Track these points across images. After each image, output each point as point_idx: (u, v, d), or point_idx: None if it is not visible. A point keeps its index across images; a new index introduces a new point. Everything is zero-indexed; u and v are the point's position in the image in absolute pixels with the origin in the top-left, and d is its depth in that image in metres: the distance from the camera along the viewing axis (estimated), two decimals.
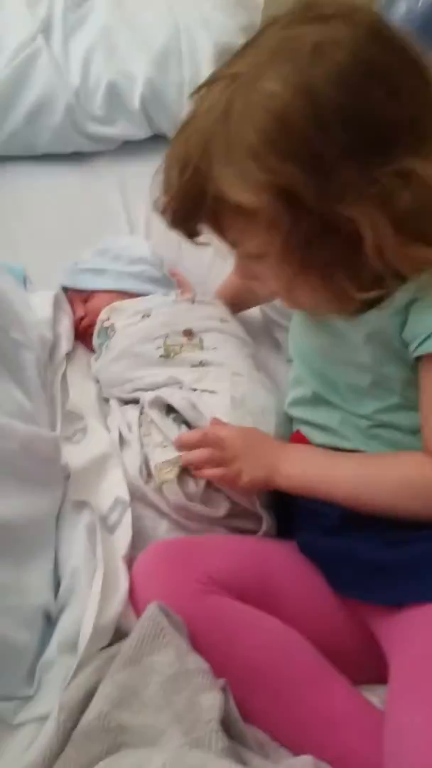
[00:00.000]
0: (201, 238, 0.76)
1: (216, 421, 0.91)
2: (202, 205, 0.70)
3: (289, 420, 0.97)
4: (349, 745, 0.71)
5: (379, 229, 0.66)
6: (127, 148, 1.50)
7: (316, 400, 0.89)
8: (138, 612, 0.74)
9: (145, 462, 0.91)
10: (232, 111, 0.66)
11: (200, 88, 0.71)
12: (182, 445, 0.87)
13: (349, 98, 0.64)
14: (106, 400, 1.07)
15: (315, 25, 0.66)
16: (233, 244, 0.74)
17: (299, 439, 0.93)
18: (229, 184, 0.66)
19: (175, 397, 0.96)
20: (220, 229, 0.72)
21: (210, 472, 0.85)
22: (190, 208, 0.71)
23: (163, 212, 0.74)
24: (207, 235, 0.75)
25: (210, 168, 0.67)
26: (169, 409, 0.96)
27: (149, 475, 0.90)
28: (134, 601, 0.76)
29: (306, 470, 0.84)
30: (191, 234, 0.75)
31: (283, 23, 0.68)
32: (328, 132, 0.64)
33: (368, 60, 0.65)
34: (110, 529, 0.82)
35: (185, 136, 0.69)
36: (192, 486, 0.88)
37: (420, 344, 0.74)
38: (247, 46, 0.70)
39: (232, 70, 0.68)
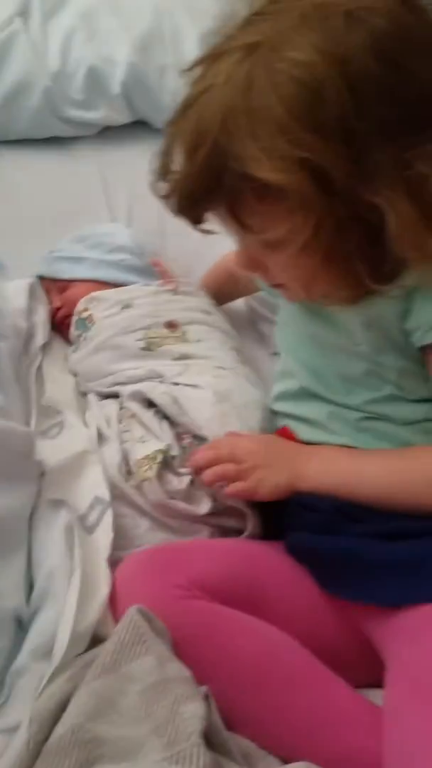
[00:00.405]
0: (207, 226, 0.70)
1: (232, 434, 0.86)
2: (220, 186, 0.63)
3: (275, 415, 0.94)
4: (356, 744, 0.69)
5: (404, 218, 0.62)
6: (108, 133, 1.46)
7: (303, 394, 0.86)
8: (118, 620, 0.70)
9: (125, 458, 0.87)
10: (254, 82, 0.60)
11: (198, 62, 0.66)
12: (196, 466, 0.83)
13: (387, 69, 0.60)
14: (84, 394, 1.03)
15: None
16: (251, 230, 0.67)
17: (286, 434, 0.90)
18: (256, 160, 0.60)
19: (155, 391, 0.92)
20: (237, 214, 0.66)
21: (230, 490, 0.81)
22: (206, 189, 0.65)
23: (169, 196, 0.68)
24: (213, 223, 0.69)
25: (231, 144, 0.61)
26: (150, 404, 0.93)
27: (129, 472, 0.86)
28: (115, 610, 0.73)
29: (330, 476, 0.80)
30: (198, 220, 0.69)
31: None
32: (362, 106, 0.60)
33: (406, 28, 0.61)
34: (89, 530, 0.79)
35: (196, 111, 0.63)
36: (174, 483, 0.84)
37: (426, 332, 0.71)
38: (258, 15, 0.64)
39: (247, 40, 0.62)
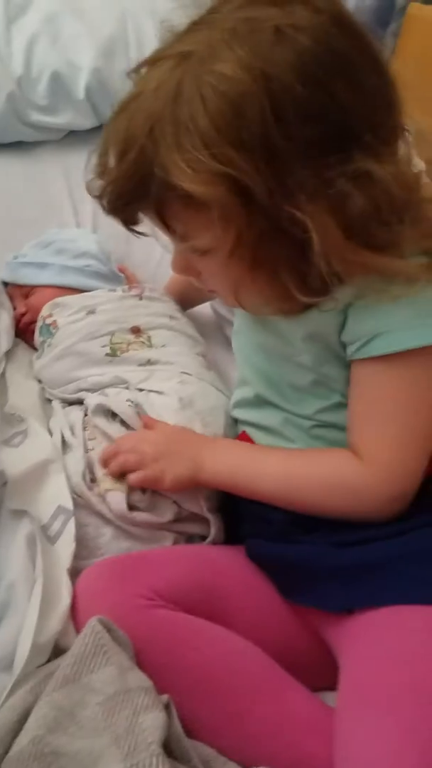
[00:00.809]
0: (141, 228, 0.71)
1: (147, 421, 0.88)
2: (146, 191, 0.65)
3: (235, 422, 0.94)
4: (310, 750, 0.69)
5: (328, 234, 0.62)
6: (72, 138, 1.46)
7: (258, 401, 0.86)
8: (80, 631, 0.70)
9: (89, 467, 0.86)
10: (182, 92, 0.61)
11: (141, 65, 0.66)
12: (101, 460, 0.85)
13: (311, 89, 0.60)
14: (49, 401, 1.02)
15: (275, 8, 0.62)
16: (178, 236, 0.69)
17: (245, 440, 0.90)
18: (179, 171, 0.61)
19: (119, 399, 0.92)
20: (164, 219, 0.67)
21: (132, 477, 0.82)
22: (132, 193, 0.66)
23: (100, 196, 0.69)
24: (147, 225, 0.70)
25: (157, 151, 0.62)
26: (114, 416, 0.92)
27: (93, 480, 0.86)
28: (76, 621, 0.72)
29: (231, 466, 0.81)
30: (130, 221, 0.70)
31: (240, 3, 0.63)
32: (285, 125, 0.60)
33: (331, 50, 0.62)
34: (51, 540, 0.78)
35: (128, 115, 0.64)
36: (137, 493, 0.84)
37: (359, 348, 0.72)
38: (197, 24, 0.65)
39: (182, 48, 0.63)
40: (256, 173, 0.60)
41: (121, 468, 0.83)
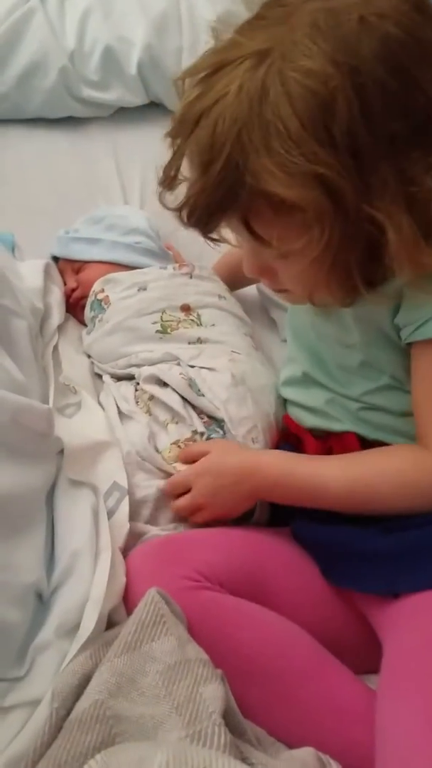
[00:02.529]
0: (215, 235, 0.69)
1: (184, 455, 0.87)
2: (234, 201, 0.62)
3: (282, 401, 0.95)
4: (354, 738, 0.69)
5: (403, 234, 0.61)
6: (122, 114, 1.45)
7: (306, 380, 0.86)
8: (130, 611, 0.71)
9: (153, 435, 0.88)
10: (267, 92, 0.58)
11: (210, 66, 0.62)
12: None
13: (398, 81, 0.58)
14: (99, 376, 1.03)
15: None
16: (265, 242, 0.66)
17: (289, 423, 0.91)
18: (271, 176, 0.59)
19: (171, 373, 0.92)
20: (252, 227, 0.65)
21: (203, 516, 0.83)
22: (219, 203, 0.63)
23: (182, 208, 0.66)
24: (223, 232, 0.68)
25: (246, 158, 0.59)
26: (166, 385, 0.93)
27: (157, 450, 0.87)
28: (126, 600, 0.73)
29: (293, 489, 0.80)
30: (209, 231, 0.68)
31: None
32: (372, 120, 0.58)
33: (417, 38, 0.59)
34: (108, 514, 0.79)
35: (210, 122, 0.60)
36: None
37: (416, 329, 0.71)
38: (262, 20, 0.62)
39: (257, 47, 0.60)
40: (345, 171, 0.59)
41: (182, 513, 0.84)
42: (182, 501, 0.83)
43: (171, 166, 0.66)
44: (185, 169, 0.66)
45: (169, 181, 0.67)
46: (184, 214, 0.66)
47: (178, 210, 0.66)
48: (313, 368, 0.85)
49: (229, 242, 0.71)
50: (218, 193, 0.62)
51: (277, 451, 0.86)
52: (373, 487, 0.76)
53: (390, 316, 0.73)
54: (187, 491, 0.84)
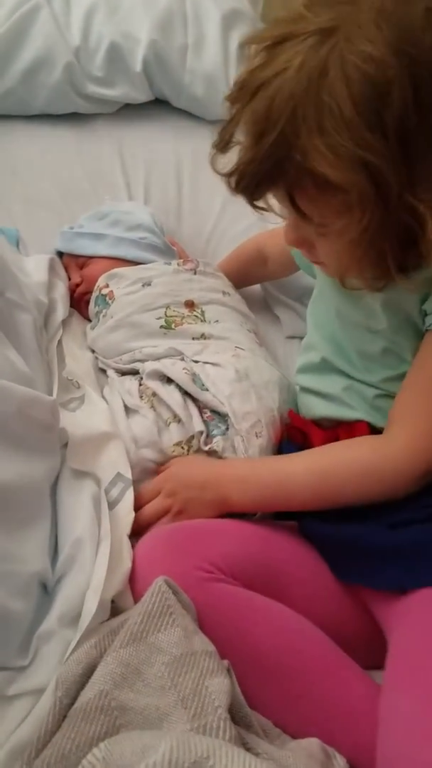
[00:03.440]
0: (261, 203, 0.70)
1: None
2: (281, 174, 0.64)
3: (292, 396, 0.95)
4: (363, 737, 0.69)
5: None
6: (127, 111, 1.45)
7: (324, 367, 0.87)
8: (138, 598, 0.71)
9: (161, 430, 0.88)
10: (327, 72, 0.59)
11: (276, 38, 0.63)
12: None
13: None
14: (103, 371, 1.03)
15: None
16: (307, 217, 0.67)
17: (294, 417, 0.91)
18: (320, 155, 0.60)
19: (175, 368, 0.93)
20: (296, 201, 0.66)
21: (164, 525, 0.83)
22: (267, 174, 0.65)
23: (231, 174, 0.67)
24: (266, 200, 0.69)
25: (298, 135, 0.60)
26: (169, 382, 0.93)
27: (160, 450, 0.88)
28: (134, 588, 0.73)
29: (260, 497, 0.81)
30: (256, 200, 0.69)
31: None
32: (425, 111, 0.59)
33: None
34: (110, 505, 0.79)
35: (269, 93, 0.61)
36: None
37: None
38: None
39: (324, 24, 0.60)
40: (392, 160, 0.59)
41: (157, 516, 0.84)
42: (149, 506, 0.83)
43: (227, 130, 0.67)
44: (239, 135, 0.66)
45: (223, 144, 0.68)
46: (233, 180, 0.67)
47: (228, 176, 0.67)
48: (332, 354, 0.85)
49: (275, 211, 0.71)
50: (267, 164, 0.63)
51: (241, 458, 0.87)
52: (336, 477, 0.78)
53: (419, 303, 0.73)
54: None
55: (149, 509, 0.83)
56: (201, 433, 0.87)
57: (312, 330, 0.90)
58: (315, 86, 0.59)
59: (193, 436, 0.87)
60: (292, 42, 0.61)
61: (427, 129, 0.60)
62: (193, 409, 0.89)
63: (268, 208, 0.70)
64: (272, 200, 0.69)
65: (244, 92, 0.64)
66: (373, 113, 0.59)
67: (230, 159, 0.67)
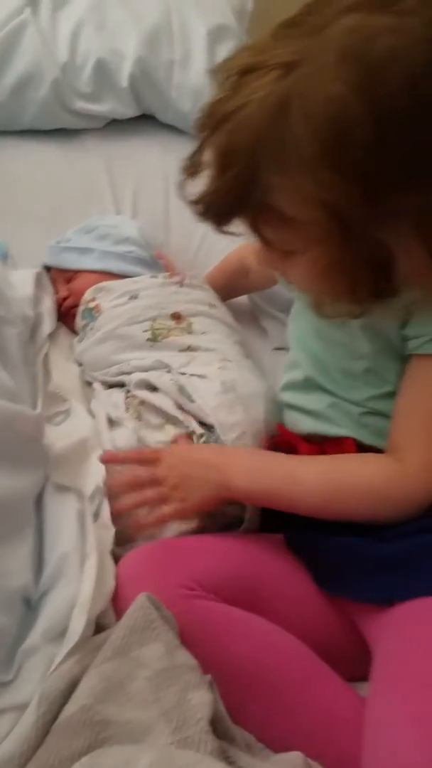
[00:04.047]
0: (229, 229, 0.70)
1: (150, 454, 0.86)
2: (245, 205, 0.64)
3: (278, 408, 0.95)
4: (346, 750, 0.69)
5: (414, 260, 0.62)
6: (114, 126, 1.45)
7: (308, 385, 0.87)
8: (120, 615, 0.70)
9: (141, 441, 0.88)
10: (288, 109, 0.58)
11: (241, 68, 0.62)
12: (113, 489, 0.84)
13: (416, 115, 0.57)
14: (89, 384, 1.03)
15: (388, 15, 0.58)
16: (271, 244, 0.68)
17: (282, 430, 0.91)
18: (281, 192, 0.61)
19: (162, 379, 0.93)
20: (259, 230, 0.67)
21: (160, 519, 0.83)
22: (231, 205, 0.65)
23: (197, 203, 0.67)
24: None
25: (259, 171, 0.61)
26: (157, 390, 0.93)
27: None
28: (117, 606, 0.73)
29: (255, 477, 0.80)
30: (222, 227, 0.69)
31: (346, 5, 0.59)
32: (388, 156, 0.58)
33: None
34: (92, 518, 0.79)
35: (231, 126, 0.61)
36: None
37: (424, 343, 0.72)
38: (298, 26, 0.61)
39: (287, 58, 0.59)
40: (354, 199, 0.59)
41: (144, 503, 0.83)
42: (151, 491, 0.83)
43: (195, 156, 0.67)
44: (207, 161, 0.66)
45: (192, 170, 0.68)
46: (198, 210, 0.67)
47: (194, 204, 0.67)
48: (316, 373, 0.85)
49: (244, 235, 0.71)
50: (229, 197, 0.64)
51: (250, 449, 0.85)
52: (351, 493, 0.77)
53: (398, 327, 0.74)
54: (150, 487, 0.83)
55: (167, 516, 0.83)
56: (201, 435, 0.87)
57: (294, 348, 0.90)
58: (276, 123, 0.59)
59: (191, 434, 0.87)
60: (257, 74, 0.61)
61: (391, 167, 0.59)
62: (188, 414, 0.90)
63: (236, 234, 0.70)
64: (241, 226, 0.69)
65: (210, 122, 0.64)
66: (333, 153, 0.58)
67: (198, 184, 0.67)
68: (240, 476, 0.80)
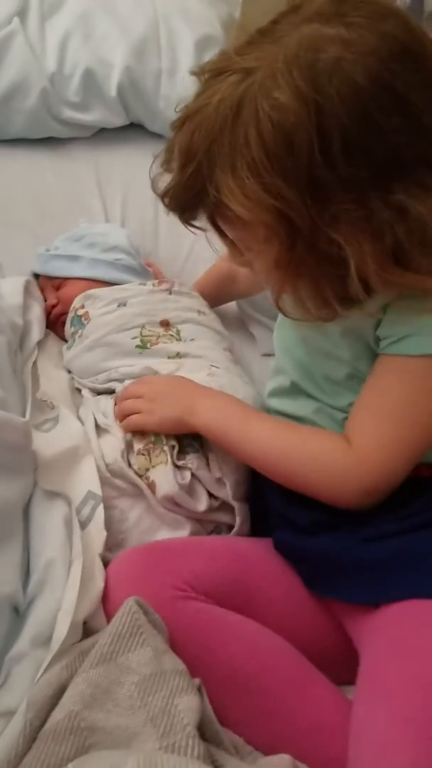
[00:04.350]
0: (197, 223, 0.73)
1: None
2: (201, 201, 0.68)
3: (268, 411, 0.95)
4: (334, 754, 0.69)
5: (364, 256, 0.64)
6: (103, 135, 1.47)
7: (294, 391, 0.87)
8: (110, 619, 0.70)
9: (128, 448, 0.88)
10: (241, 113, 0.62)
11: (208, 70, 0.66)
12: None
13: (362, 127, 0.60)
14: (78, 391, 1.04)
15: (342, 27, 0.61)
16: (229, 240, 0.72)
17: None
18: (230, 193, 0.64)
19: None
20: (216, 225, 0.71)
21: (123, 424, 0.88)
22: (190, 200, 0.69)
23: (163, 196, 0.71)
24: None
25: (212, 171, 0.64)
26: None
27: (130, 465, 0.87)
28: (107, 608, 0.73)
29: (223, 419, 0.83)
30: (188, 220, 0.73)
31: (307, 15, 0.63)
32: (332, 161, 0.61)
33: (388, 86, 0.61)
34: (82, 525, 0.79)
35: (192, 126, 0.65)
36: (178, 477, 0.85)
37: (390, 344, 0.73)
38: (263, 35, 0.65)
39: (247, 64, 0.63)
40: (301, 203, 0.62)
41: (122, 412, 0.88)
42: (129, 401, 0.88)
43: (166, 152, 0.70)
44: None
45: (163, 164, 0.71)
46: (165, 201, 0.71)
47: (161, 197, 0.71)
48: (301, 379, 0.86)
49: (209, 230, 0.74)
50: (188, 192, 0.68)
51: (224, 394, 0.88)
52: (299, 462, 0.78)
53: (374, 328, 0.74)
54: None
55: (131, 423, 0.87)
56: (173, 447, 0.87)
57: (279, 354, 0.91)
58: (230, 125, 0.62)
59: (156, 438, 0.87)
60: (221, 77, 0.64)
61: (335, 175, 0.61)
62: None
63: (203, 228, 0.73)
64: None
65: (178, 121, 0.68)
66: (280, 159, 0.61)
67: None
68: (205, 411, 0.84)
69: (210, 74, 0.66)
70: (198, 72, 0.68)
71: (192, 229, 0.74)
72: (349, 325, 0.75)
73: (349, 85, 0.60)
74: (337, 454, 0.76)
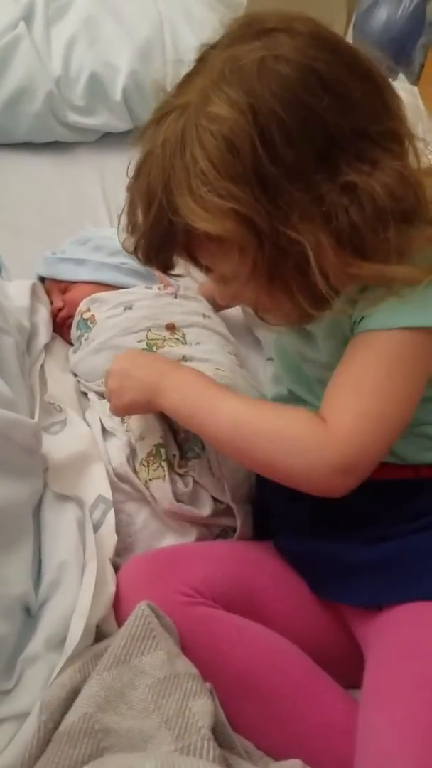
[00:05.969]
0: (176, 270, 0.76)
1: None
2: (172, 238, 0.70)
3: None
4: (343, 756, 0.69)
5: (322, 249, 0.65)
6: (108, 139, 1.47)
7: (291, 398, 0.88)
8: (121, 623, 0.71)
9: (134, 453, 0.88)
10: (185, 140, 0.65)
11: (147, 127, 0.70)
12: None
13: (293, 113, 0.63)
14: (84, 394, 1.04)
15: (256, 41, 0.65)
16: (207, 269, 0.74)
17: None
18: (193, 213, 0.65)
19: None
20: (193, 257, 0.73)
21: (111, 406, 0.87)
22: (161, 242, 0.71)
23: (135, 251, 0.73)
24: (181, 266, 0.76)
25: (173, 201, 0.67)
26: None
27: (134, 470, 0.87)
28: (118, 613, 0.73)
29: (186, 396, 0.80)
30: (166, 267, 0.75)
31: (225, 44, 0.67)
32: (273, 151, 0.63)
33: (312, 70, 0.64)
34: (94, 528, 0.79)
35: (146, 171, 0.69)
36: (180, 485, 0.85)
37: (362, 321, 0.71)
38: (192, 74, 0.69)
39: (181, 101, 0.67)
40: (255, 202, 0.64)
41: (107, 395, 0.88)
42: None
43: (126, 213, 0.73)
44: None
45: (126, 227, 0.74)
46: (138, 255, 0.74)
47: (133, 253, 0.74)
48: (296, 386, 0.86)
49: (192, 276, 0.78)
50: (159, 232, 0.70)
51: (190, 376, 0.83)
52: (257, 430, 0.74)
53: (350, 327, 0.74)
54: None
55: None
56: (174, 456, 0.87)
57: (276, 361, 0.92)
58: (178, 155, 0.66)
59: (160, 446, 0.87)
60: (163, 120, 0.68)
61: (281, 167, 0.64)
62: (164, 424, 0.89)
63: (184, 275, 0.76)
64: (190, 267, 0.75)
65: (133, 175, 0.72)
66: (228, 164, 0.64)
67: None
68: (173, 391, 0.80)
69: (152, 123, 0.70)
70: (141, 132, 0.71)
71: (173, 277, 0.76)
72: (330, 323, 0.76)
73: (277, 79, 0.63)
74: (311, 429, 0.71)
